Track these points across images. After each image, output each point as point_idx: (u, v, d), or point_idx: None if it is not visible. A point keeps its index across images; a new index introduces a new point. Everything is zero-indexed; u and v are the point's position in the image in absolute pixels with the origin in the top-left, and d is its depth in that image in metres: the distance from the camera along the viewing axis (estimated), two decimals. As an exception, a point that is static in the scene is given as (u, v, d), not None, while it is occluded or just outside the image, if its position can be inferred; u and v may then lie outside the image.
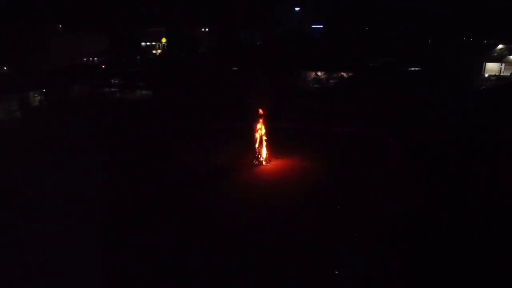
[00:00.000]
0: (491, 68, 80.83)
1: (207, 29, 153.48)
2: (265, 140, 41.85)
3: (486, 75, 78.65)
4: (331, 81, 73.23)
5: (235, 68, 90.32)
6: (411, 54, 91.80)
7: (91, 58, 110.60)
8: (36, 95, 69.79)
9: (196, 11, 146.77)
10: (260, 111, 41.80)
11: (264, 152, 41.92)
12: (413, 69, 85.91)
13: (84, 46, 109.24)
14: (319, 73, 78.13)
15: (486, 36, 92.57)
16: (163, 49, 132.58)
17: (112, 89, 78.89)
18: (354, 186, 34.92)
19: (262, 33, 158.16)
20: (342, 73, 73.76)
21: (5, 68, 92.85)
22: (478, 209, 30.06)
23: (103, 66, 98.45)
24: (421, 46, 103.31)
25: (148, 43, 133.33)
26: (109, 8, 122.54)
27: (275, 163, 41.78)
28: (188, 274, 23.39)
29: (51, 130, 50.64)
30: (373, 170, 38.19)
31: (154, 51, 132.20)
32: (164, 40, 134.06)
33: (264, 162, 41.66)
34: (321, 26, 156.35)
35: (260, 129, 41.92)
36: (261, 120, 41.87)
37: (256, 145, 41.81)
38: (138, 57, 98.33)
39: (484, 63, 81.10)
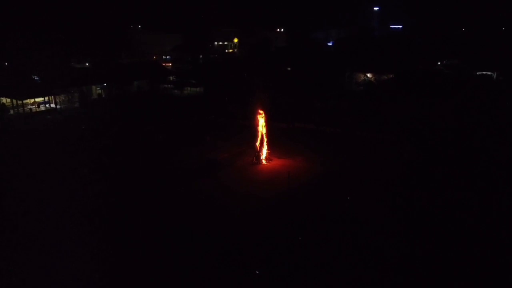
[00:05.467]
0: None
1: (282, 30, 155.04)
2: (266, 139, 42.06)
3: None
4: (378, 83, 69.76)
5: (289, 69, 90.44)
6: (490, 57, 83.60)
7: (164, 56, 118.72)
8: (98, 88, 77.22)
9: (269, 11, 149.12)
10: (261, 111, 41.97)
11: (264, 151, 42.15)
12: (483, 73, 78.62)
13: (160, 44, 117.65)
14: (368, 75, 74.89)
15: None
16: (233, 49, 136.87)
17: (169, 85, 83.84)
18: (343, 189, 33.81)
19: (338, 33, 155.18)
20: (391, 76, 69.86)
21: (86, 64, 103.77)
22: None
23: (170, 64, 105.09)
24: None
25: (221, 43, 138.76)
26: (184, 9, 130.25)
27: (275, 163, 41.60)
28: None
29: (94, 120, 56.59)
30: (373, 174, 36.89)
31: (226, 51, 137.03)
32: (236, 40, 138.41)
33: (264, 161, 41.87)
34: (400, 26, 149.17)
35: (262, 129, 42.18)
36: (262, 120, 42.07)
37: (257, 144, 42.18)
38: (201, 56, 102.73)
39: None
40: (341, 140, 48.17)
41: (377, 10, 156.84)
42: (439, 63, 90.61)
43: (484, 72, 78.63)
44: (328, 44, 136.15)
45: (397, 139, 44.79)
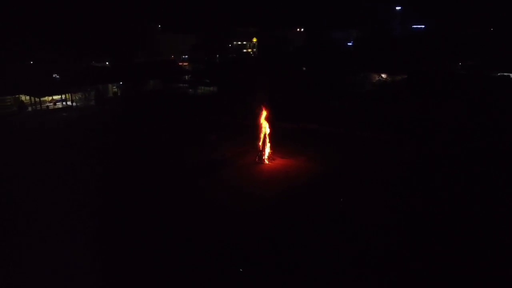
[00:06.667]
0: None
1: (301, 29, 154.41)
2: (269, 139, 42.03)
3: None
4: (389, 84, 68.95)
5: (304, 68, 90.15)
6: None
7: (183, 56, 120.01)
8: (114, 87, 78.84)
9: (288, 11, 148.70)
10: (264, 109, 41.96)
11: (267, 150, 42.13)
12: (504, 74, 76.49)
13: (178, 44, 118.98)
14: (383, 76, 74.03)
15: None
16: (252, 49, 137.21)
17: (184, 84, 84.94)
18: (340, 190, 33.44)
19: (360, 33, 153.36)
20: (404, 77, 68.91)
21: (107, 63, 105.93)
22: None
23: (186, 64, 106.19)
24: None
25: (239, 42, 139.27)
26: (202, 9, 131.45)
27: (277, 162, 41.43)
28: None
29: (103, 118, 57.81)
30: (373, 174, 36.38)
31: (244, 50, 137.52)
32: (254, 39, 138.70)
33: (266, 161, 41.84)
34: (423, 26, 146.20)
35: (264, 128, 42.17)
36: (265, 119, 42.06)
37: (260, 143, 42.20)
38: (217, 55, 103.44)
39: None
40: (344, 140, 47.82)
41: (399, 9, 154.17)
42: (460, 63, 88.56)
43: (506, 74, 76.51)
44: (348, 44, 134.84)
45: (399, 140, 44.17)
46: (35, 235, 26.15)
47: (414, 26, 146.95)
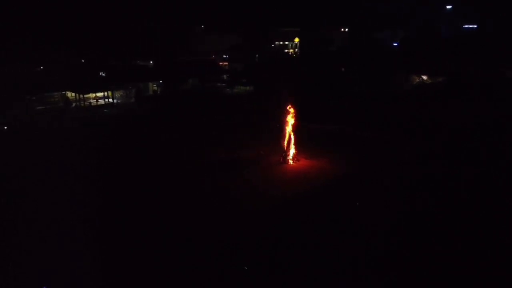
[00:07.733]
0: None
1: (346, 29, 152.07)
2: (294, 139, 41.81)
3: None
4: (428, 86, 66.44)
5: (343, 69, 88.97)
6: None
7: (224, 55, 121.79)
8: (154, 85, 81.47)
9: (331, 10, 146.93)
10: (290, 109, 41.78)
11: (291, 151, 41.93)
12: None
13: (219, 44, 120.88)
14: (424, 77, 71.49)
15: None
16: (294, 49, 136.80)
17: (222, 84, 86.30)
18: (358, 193, 32.78)
19: (406, 33, 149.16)
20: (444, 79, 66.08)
21: (151, 62, 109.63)
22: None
23: (226, 63, 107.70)
24: None
25: (281, 43, 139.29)
26: (244, 9, 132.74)
27: (301, 163, 41.17)
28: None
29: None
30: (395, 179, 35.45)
31: (286, 50, 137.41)
32: (297, 40, 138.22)
33: (290, 161, 41.65)
34: (475, 26, 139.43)
35: (289, 128, 41.99)
36: (291, 119, 41.85)
37: (285, 144, 42.04)
38: (257, 55, 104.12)
39: None
40: (374, 143, 46.80)
41: (449, 8, 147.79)
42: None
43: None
44: (394, 44, 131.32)
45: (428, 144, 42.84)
46: (35, 235, 25.89)
47: (465, 26, 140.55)
